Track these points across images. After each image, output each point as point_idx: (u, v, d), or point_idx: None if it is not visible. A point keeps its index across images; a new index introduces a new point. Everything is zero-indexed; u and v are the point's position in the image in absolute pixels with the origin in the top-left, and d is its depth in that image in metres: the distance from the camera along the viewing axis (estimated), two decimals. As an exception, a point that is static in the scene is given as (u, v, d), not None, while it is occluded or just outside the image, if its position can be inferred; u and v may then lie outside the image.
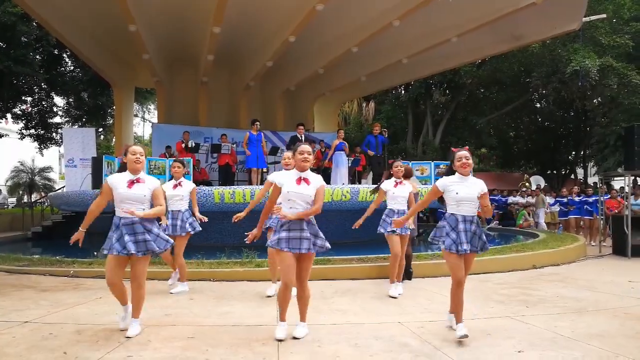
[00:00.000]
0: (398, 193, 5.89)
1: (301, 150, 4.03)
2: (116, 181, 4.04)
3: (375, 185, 7.16)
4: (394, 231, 5.70)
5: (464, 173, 4.05)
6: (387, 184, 6.01)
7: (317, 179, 4.06)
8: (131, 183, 4.03)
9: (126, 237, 3.96)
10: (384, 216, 5.96)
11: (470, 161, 4.07)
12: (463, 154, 4.07)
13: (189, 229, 5.89)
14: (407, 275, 6.76)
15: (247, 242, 4.14)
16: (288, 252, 3.93)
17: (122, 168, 4.19)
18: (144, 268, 4.15)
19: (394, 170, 5.98)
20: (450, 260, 4.07)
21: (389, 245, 5.89)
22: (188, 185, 6.05)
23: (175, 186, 5.94)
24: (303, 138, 12.25)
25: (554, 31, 14.74)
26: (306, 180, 4.00)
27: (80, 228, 4.02)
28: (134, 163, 4.06)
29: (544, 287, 6.35)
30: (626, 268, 8.34)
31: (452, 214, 4.08)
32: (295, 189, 3.95)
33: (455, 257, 4.02)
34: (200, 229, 6.00)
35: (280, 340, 3.91)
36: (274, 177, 3.91)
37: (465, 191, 4.00)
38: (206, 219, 6.01)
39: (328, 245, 4.06)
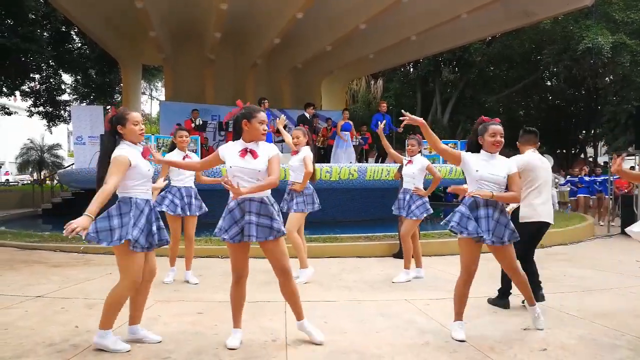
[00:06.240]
0: (405, 171, 5.65)
1: (262, 119, 3.25)
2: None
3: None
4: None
5: (492, 151, 3.58)
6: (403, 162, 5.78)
7: (268, 149, 3.29)
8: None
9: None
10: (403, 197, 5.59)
11: (502, 139, 3.58)
12: (498, 129, 3.57)
13: (197, 211, 5.31)
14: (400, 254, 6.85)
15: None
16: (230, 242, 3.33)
17: (110, 139, 3.28)
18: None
19: (407, 149, 5.73)
20: (466, 249, 3.55)
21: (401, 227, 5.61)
22: (195, 157, 5.44)
23: (184, 158, 5.20)
24: (312, 118, 12.17)
25: (566, 7, 14.40)
26: (252, 152, 3.24)
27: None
28: (139, 135, 3.29)
29: (551, 266, 6.35)
30: (634, 248, 8.27)
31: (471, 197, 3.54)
32: (238, 163, 3.22)
33: (473, 244, 3.49)
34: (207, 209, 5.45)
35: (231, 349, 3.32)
36: (221, 148, 3.37)
37: (489, 170, 3.52)
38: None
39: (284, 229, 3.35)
